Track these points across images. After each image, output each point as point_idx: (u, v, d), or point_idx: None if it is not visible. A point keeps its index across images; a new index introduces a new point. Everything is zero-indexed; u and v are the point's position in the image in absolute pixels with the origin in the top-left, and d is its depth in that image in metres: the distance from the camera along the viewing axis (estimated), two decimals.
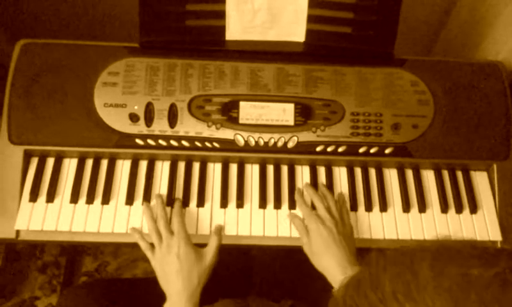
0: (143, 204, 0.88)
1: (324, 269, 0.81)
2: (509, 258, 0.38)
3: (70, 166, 0.91)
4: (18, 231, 0.86)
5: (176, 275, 0.79)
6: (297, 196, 0.91)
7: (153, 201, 0.89)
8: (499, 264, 0.38)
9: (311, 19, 0.92)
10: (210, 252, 0.84)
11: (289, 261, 1.30)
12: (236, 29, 0.93)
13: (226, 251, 0.87)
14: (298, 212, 0.90)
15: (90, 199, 0.88)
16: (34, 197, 0.87)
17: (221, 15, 0.92)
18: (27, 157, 0.90)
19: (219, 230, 0.87)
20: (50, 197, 0.88)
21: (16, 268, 1.41)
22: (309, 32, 0.94)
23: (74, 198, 0.88)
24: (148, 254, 0.84)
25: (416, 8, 1.23)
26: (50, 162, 0.91)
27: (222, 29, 0.93)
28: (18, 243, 0.89)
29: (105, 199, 0.88)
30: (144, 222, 0.87)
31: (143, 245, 0.84)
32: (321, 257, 0.82)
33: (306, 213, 0.87)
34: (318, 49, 0.95)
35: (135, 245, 0.85)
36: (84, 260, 1.46)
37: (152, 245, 0.84)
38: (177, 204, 0.88)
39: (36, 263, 1.46)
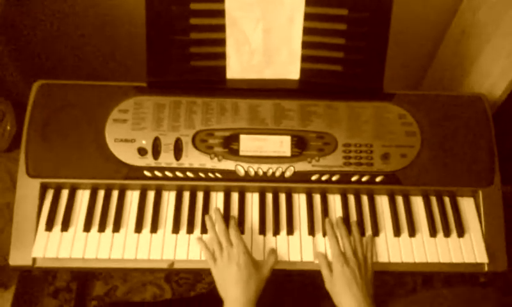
0: (151, 232, 0.94)
1: None
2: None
3: (83, 197, 0.97)
4: (34, 259, 0.92)
5: (236, 283, 0.86)
6: (328, 228, 0.95)
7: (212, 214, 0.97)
8: None
9: (304, 59, 0.99)
10: (267, 266, 0.90)
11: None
12: (236, 69, 1.01)
13: None
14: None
15: (102, 228, 0.94)
16: (49, 226, 0.93)
17: (222, 56, 0.99)
18: (43, 189, 0.96)
19: (275, 251, 0.93)
20: (65, 227, 0.94)
21: (30, 294, 1.47)
22: (303, 71, 1.01)
23: (87, 227, 0.94)
24: (210, 262, 0.90)
25: (406, 46, 1.30)
26: (65, 193, 0.97)
27: (223, 69, 1.00)
28: (33, 270, 0.94)
29: (116, 228, 0.94)
30: (153, 250, 0.93)
31: (206, 254, 0.91)
32: (342, 296, 0.87)
33: (335, 252, 0.91)
34: (312, 86, 1.02)
35: (144, 270, 0.90)
36: (94, 285, 1.50)
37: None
38: (233, 221, 0.94)
39: (48, 288, 1.52)
